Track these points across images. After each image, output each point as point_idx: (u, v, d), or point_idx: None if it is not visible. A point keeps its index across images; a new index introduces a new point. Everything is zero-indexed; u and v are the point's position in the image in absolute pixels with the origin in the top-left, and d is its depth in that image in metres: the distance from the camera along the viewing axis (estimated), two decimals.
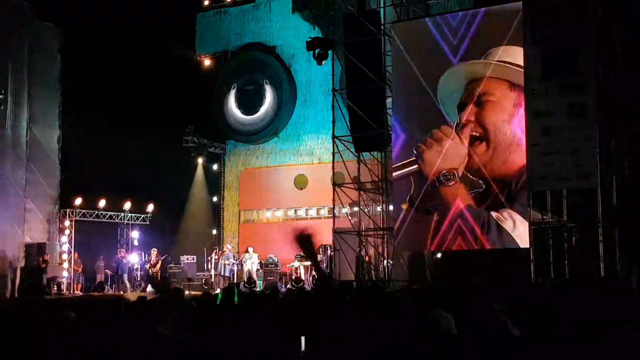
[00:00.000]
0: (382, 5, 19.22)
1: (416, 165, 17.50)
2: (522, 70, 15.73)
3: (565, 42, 15.51)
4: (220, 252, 23.53)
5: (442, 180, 17.23)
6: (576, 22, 15.40)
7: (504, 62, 16.92)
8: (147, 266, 23.31)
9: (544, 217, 15.80)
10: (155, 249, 23.39)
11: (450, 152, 17.32)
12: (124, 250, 23.40)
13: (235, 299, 6.72)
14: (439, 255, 18.47)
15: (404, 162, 17.72)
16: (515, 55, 16.45)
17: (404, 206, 17.70)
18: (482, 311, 4.17)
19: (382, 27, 18.81)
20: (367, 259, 19.33)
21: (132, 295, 18.23)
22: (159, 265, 23.16)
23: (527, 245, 15.67)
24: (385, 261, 18.92)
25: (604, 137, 15.07)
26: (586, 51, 15.24)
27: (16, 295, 20.72)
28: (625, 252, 14.06)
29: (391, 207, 18.62)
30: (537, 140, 15.68)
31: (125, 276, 22.67)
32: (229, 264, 22.51)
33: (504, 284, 10.12)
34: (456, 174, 17.18)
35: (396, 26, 18.63)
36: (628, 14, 15.57)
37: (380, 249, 19.28)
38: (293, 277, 21.33)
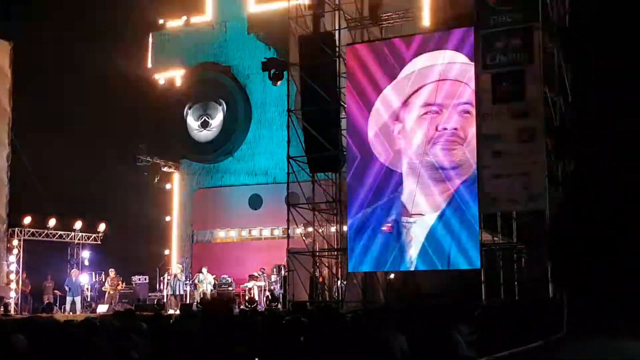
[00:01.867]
0: (337, 27, 19.45)
1: None
2: None
3: (514, 67, 15.96)
4: (171, 272, 23.22)
5: None
6: (524, 48, 15.87)
7: None
8: (106, 287, 22.76)
9: (495, 238, 16.12)
10: (113, 270, 22.95)
11: None
12: (77, 270, 22.91)
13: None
14: (392, 275, 18.63)
15: None
16: None
17: None
18: (437, 332, 4.26)
19: (337, 49, 19.02)
20: (320, 279, 19.37)
21: (81, 317, 17.88)
22: (121, 286, 22.76)
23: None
24: (339, 282, 18.98)
25: (551, 161, 15.47)
26: (534, 77, 15.70)
27: None
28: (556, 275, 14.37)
29: (345, 228, 18.72)
30: (488, 163, 16.04)
31: (78, 297, 22.21)
32: (182, 282, 22.27)
33: (458, 304, 10.27)
34: None
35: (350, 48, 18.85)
36: (572, 41, 16.07)
37: (334, 270, 19.34)
38: (247, 297, 21.22)
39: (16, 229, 22.51)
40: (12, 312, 21.07)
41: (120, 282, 22.75)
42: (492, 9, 16.21)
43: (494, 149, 16.10)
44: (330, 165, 19.15)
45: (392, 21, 20.09)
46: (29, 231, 22.78)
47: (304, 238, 19.62)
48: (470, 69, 16.69)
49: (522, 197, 15.60)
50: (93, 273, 23.82)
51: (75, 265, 23.70)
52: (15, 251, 22.32)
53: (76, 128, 23.36)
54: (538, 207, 15.35)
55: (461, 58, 16.91)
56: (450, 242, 16.37)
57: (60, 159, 22.83)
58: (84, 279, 23.28)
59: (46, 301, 22.36)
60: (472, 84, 16.57)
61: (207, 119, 25.88)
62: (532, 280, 15.20)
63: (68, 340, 5.32)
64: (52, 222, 23.39)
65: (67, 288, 22.26)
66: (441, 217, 16.56)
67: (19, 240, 22.46)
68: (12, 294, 21.74)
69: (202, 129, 25.91)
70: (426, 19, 19.69)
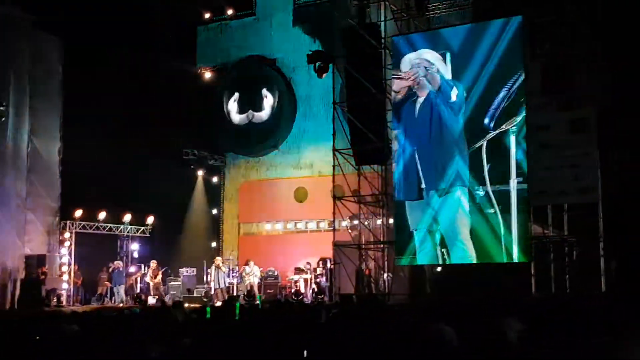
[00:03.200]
0: (382, 18, 19.30)
1: None
2: None
3: (564, 58, 15.61)
4: (214, 265, 23.36)
5: None
6: (573, 39, 15.52)
7: None
8: (147, 278, 23.22)
9: (545, 231, 15.83)
10: (155, 261, 23.32)
11: None
12: (120, 262, 23.33)
13: (237, 312, 6.72)
14: (439, 268, 18.44)
15: None
16: None
17: None
18: (486, 325, 4.16)
19: (383, 40, 18.86)
20: (367, 272, 19.29)
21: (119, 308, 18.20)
22: (159, 277, 23.09)
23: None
24: (385, 274, 18.88)
25: (604, 152, 15.12)
26: (584, 66, 15.33)
27: (15, 306, 20.66)
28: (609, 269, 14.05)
29: (391, 221, 18.61)
30: (537, 155, 15.75)
31: (122, 288, 22.61)
32: (225, 273, 22.42)
33: (507, 297, 10.10)
34: None
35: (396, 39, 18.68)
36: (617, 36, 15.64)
37: (380, 262, 19.24)
38: (293, 290, 21.28)
39: (68, 222, 22.96)
40: (64, 303, 21.53)
41: (159, 273, 23.04)
42: None
43: (543, 141, 15.80)
44: (376, 157, 19.03)
45: (438, 11, 19.84)
46: (80, 224, 23.21)
47: (349, 231, 19.57)
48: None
49: (572, 189, 15.28)
50: (142, 265, 24.18)
51: (124, 257, 24.11)
52: (67, 244, 22.79)
53: (124, 122, 23.67)
54: (590, 199, 15.03)
55: (509, 48, 16.59)
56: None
57: (110, 153, 23.18)
58: (133, 271, 23.65)
59: (99, 292, 22.82)
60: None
61: (252, 113, 25.97)
62: (584, 274, 14.88)
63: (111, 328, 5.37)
64: (102, 215, 23.81)
65: (112, 279, 22.75)
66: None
67: (71, 233, 22.91)
68: (64, 286, 22.20)
69: (247, 123, 26.02)
70: (473, 9, 19.38)
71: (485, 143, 16.74)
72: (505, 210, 16.25)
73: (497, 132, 16.61)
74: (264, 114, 25.80)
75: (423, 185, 17.44)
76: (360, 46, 18.65)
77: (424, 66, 17.68)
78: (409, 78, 17.76)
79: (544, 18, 15.92)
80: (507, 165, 16.37)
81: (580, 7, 15.49)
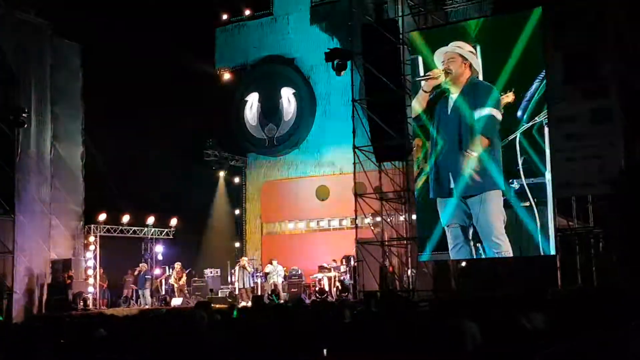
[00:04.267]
0: (400, 14, 19.20)
1: None
2: None
3: (586, 46, 15.39)
4: (239, 265, 23.41)
5: None
6: (597, 26, 15.29)
7: None
8: (172, 280, 23.34)
9: (570, 223, 15.66)
10: (179, 263, 23.44)
11: None
12: (145, 265, 23.47)
13: (235, 314, 6.71)
14: (463, 263, 18.32)
15: None
16: None
17: None
18: (509, 320, 4.11)
19: (401, 35, 18.77)
20: (390, 269, 19.22)
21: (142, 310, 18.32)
22: (184, 279, 23.19)
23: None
24: (409, 271, 18.80)
25: (629, 142, 14.90)
26: (608, 55, 15.12)
27: (43, 311, 20.89)
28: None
29: (414, 217, 18.51)
30: (561, 146, 15.57)
31: (148, 291, 22.73)
32: (250, 273, 22.46)
33: (531, 291, 9.99)
34: None
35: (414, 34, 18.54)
36: None
37: (403, 259, 19.16)
38: (317, 288, 21.27)
39: (92, 225, 23.14)
40: (91, 306, 21.72)
41: (183, 275, 23.14)
42: None
43: (567, 132, 15.61)
44: (397, 153, 18.94)
45: (456, 5, 19.70)
46: (104, 227, 23.39)
47: (372, 228, 19.51)
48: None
49: (597, 180, 15.08)
50: (166, 267, 24.31)
51: (149, 260, 24.26)
52: (91, 247, 22.97)
53: (145, 125, 23.82)
54: (614, 191, 14.82)
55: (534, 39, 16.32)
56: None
57: (131, 156, 23.36)
58: (157, 273, 23.78)
59: (125, 295, 22.98)
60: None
61: (272, 113, 26.01)
62: (610, 266, 14.69)
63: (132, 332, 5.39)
64: (125, 218, 23.97)
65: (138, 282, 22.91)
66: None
67: (95, 236, 23.09)
68: (90, 289, 22.38)
69: (267, 123, 26.06)
70: (491, 1, 19.21)
71: (518, 136, 16.44)
72: (540, 204, 15.97)
73: (530, 124, 16.30)
74: (284, 113, 25.82)
75: (452, 185, 17.17)
76: (379, 42, 18.55)
77: (457, 59, 17.31)
78: (438, 76, 17.45)
79: (566, 6, 15.69)
80: (540, 157, 16.08)
81: None
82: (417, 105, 17.97)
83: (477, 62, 17.12)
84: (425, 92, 17.77)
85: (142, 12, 23.93)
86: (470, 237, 16.79)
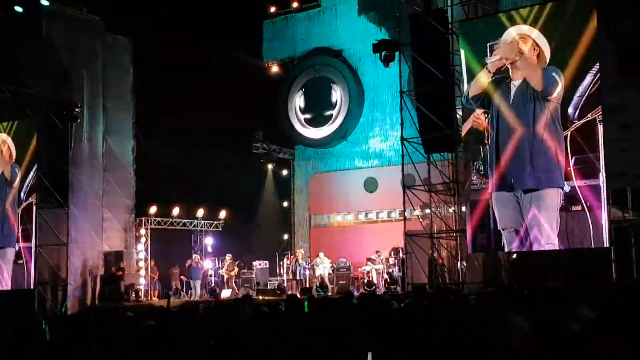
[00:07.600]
0: (449, 4, 18.93)
1: None
2: None
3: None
4: (292, 257, 23.59)
5: None
6: None
7: None
8: (222, 272, 23.53)
9: (625, 214, 15.26)
10: (230, 255, 23.64)
11: None
12: (197, 256, 23.76)
13: (306, 308, 6.68)
14: (514, 256, 18.02)
15: None
16: None
17: None
18: (559, 314, 4.01)
19: (450, 26, 18.51)
20: (439, 261, 19.03)
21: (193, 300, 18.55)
22: (235, 271, 23.38)
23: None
24: (458, 263, 18.59)
25: None
26: None
27: (96, 302, 21.33)
28: None
29: (463, 209, 18.27)
30: (615, 136, 15.16)
31: (199, 282, 22.99)
32: (301, 266, 22.58)
33: (583, 284, 9.75)
34: None
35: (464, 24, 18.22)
36: None
37: (453, 251, 18.95)
38: (365, 281, 21.21)
39: (143, 218, 23.54)
40: (142, 297, 22.09)
41: (235, 267, 23.32)
42: None
43: (621, 122, 15.16)
44: (446, 145, 18.68)
45: None
46: (155, 220, 23.75)
47: (420, 220, 19.34)
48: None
49: None
50: (216, 259, 24.56)
51: (199, 251, 24.55)
52: (143, 240, 23.36)
53: (194, 119, 24.08)
54: None
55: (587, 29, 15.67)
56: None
57: (181, 150, 23.64)
58: (207, 265, 24.04)
59: (173, 287, 23.30)
60: None
61: (320, 104, 25.99)
62: None
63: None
64: (176, 210, 24.30)
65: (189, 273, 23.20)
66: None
67: (146, 229, 23.48)
68: (142, 281, 22.76)
69: (315, 115, 26.05)
70: None
71: (569, 135, 15.48)
72: (595, 207, 15.06)
73: (582, 121, 15.38)
74: (332, 105, 25.79)
75: (512, 181, 16.19)
76: (427, 33, 18.32)
77: (528, 40, 16.32)
78: (501, 58, 16.53)
79: None
80: (593, 158, 15.16)
81: None
82: (475, 88, 17.15)
83: (547, 49, 16.10)
84: (489, 72, 16.89)
85: (191, 7, 24.17)
86: (523, 235, 16.07)
